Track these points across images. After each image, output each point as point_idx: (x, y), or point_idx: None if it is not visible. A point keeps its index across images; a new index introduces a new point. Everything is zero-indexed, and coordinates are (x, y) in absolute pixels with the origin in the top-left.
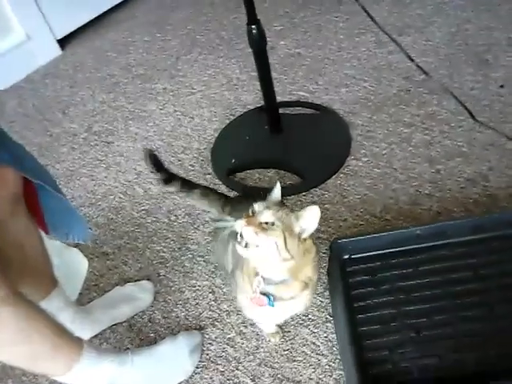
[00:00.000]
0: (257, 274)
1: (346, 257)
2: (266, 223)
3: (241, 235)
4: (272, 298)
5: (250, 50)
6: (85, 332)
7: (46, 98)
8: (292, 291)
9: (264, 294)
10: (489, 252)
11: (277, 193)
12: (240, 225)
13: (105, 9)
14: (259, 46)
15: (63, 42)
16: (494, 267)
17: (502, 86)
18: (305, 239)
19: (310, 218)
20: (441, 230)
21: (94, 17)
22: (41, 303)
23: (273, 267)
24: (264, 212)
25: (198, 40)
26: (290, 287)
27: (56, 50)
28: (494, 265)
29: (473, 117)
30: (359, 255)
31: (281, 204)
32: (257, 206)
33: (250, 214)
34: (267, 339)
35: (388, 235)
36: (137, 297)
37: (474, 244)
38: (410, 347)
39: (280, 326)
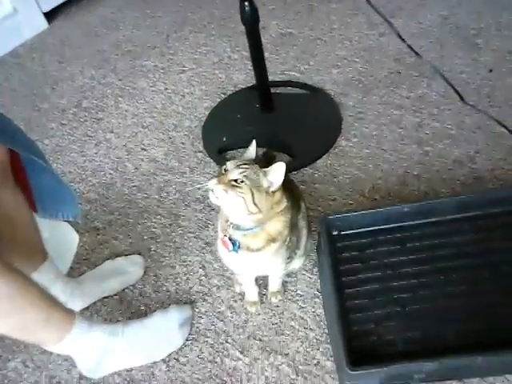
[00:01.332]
0: (227, 220)
1: (336, 233)
2: (235, 180)
3: (212, 191)
4: (237, 243)
5: (242, 28)
6: (76, 304)
7: (34, 73)
8: (259, 242)
9: (231, 239)
10: (474, 230)
11: (252, 151)
12: (212, 183)
13: None
14: (252, 23)
15: (50, 16)
16: (478, 245)
17: (490, 71)
18: (273, 192)
19: (276, 173)
20: (428, 207)
21: None
22: (32, 275)
23: (241, 218)
24: (233, 170)
25: (189, 18)
26: (257, 237)
27: (42, 24)
28: (479, 243)
29: (462, 99)
30: (348, 232)
31: (252, 162)
32: (228, 165)
33: (223, 171)
34: (246, 308)
35: (377, 212)
36: (127, 270)
37: (460, 222)
38: (395, 321)
39: (261, 298)
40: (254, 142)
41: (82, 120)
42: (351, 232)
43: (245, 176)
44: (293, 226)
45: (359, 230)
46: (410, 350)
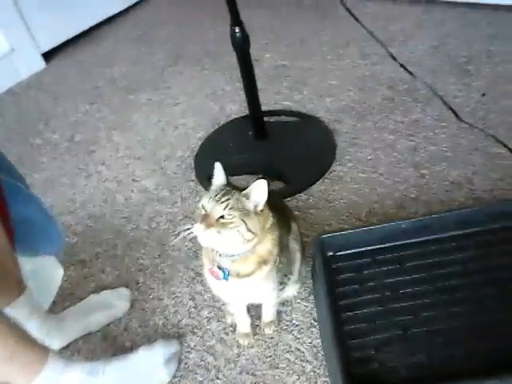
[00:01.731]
0: (213, 249)
1: (331, 254)
2: (222, 217)
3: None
4: (227, 272)
5: (236, 62)
6: (54, 342)
7: (28, 110)
8: (249, 266)
9: (220, 267)
10: (475, 247)
11: (220, 175)
12: (199, 229)
13: (90, 24)
14: (243, 48)
15: (48, 56)
16: (481, 262)
17: (483, 95)
18: (261, 210)
19: (259, 191)
20: (426, 224)
21: (79, 32)
22: (6, 309)
23: (237, 249)
24: (215, 207)
25: (184, 53)
26: (247, 261)
27: (40, 64)
28: (481, 259)
29: (457, 117)
30: (344, 252)
31: (226, 186)
32: (206, 203)
33: (203, 211)
34: (238, 341)
35: (372, 230)
36: (112, 304)
37: (460, 239)
38: (397, 345)
39: (254, 329)
40: (218, 165)
41: (73, 153)
42: (347, 252)
43: (230, 209)
44: (282, 247)
45: (355, 250)
46: (415, 377)
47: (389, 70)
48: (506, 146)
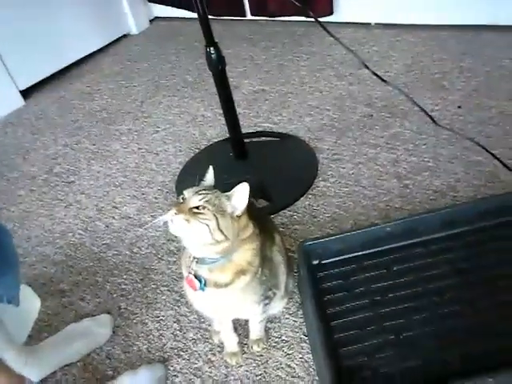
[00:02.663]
0: (190, 255)
1: (316, 262)
2: (197, 207)
3: (172, 222)
4: (204, 281)
5: (215, 90)
6: (31, 374)
7: (6, 146)
8: (227, 275)
9: (196, 276)
10: (462, 246)
11: (209, 178)
12: (170, 213)
13: (69, 62)
14: (218, 67)
15: (26, 93)
16: (469, 261)
17: (459, 107)
18: (239, 217)
19: (240, 196)
20: (411, 225)
21: (58, 69)
22: None
23: (206, 249)
24: (193, 197)
25: (163, 84)
26: (225, 271)
27: (19, 101)
28: (470, 259)
29: (436, 124)
30: (329, 260)
31: (212, 188)
32: (186, 193)
33: (181, 200)
34: (226, 361)
35: (358, 234)
36: (93, 332)
37: (447, 240)
38: (389, 351)
39: (242, 348)
40: (210, 168)
41: (52, 185)
42: (332, 260)
43: (206, 201)
44: (266, 259)
45: (341, 258)
46: (411, 382)
47: (365, 88)
48: (488, 151)
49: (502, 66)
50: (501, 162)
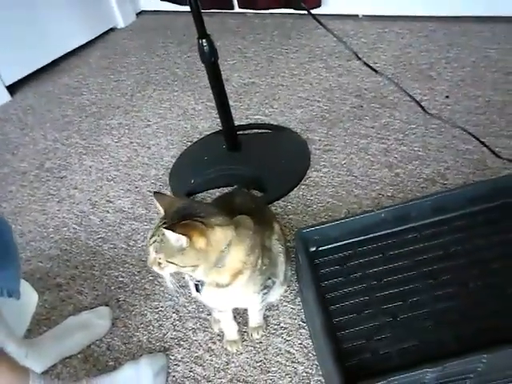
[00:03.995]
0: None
1: (313, 249)
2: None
3: None
4: (200, 284)
5: (205, 83)
6: (32, 367)
7: None
8: (225, 277)
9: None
10: (455, 230)
11: (158, 208)
12: (149, 265)
13: (56, 56)
14: (211, 59)
15: (13, 88)
16: (462, 244)
17: (447, 97)
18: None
19: (172, 238)
20: (404, 211)
21: (44, 64)
22: None
23: (195, 274)
24: (149, 248)
25: (153, 78)
26: (221, 274)
27: (5, 96)
28: (463, 242)
29: (426, 112)
30: (326, 247)
31: (162, 219)
32: (147, 242)
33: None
34: (226, 348)
35: (353, 220)
36: (92, 324)
37: (440, 224)
38: (387, 333)
39: (241, 335)
40: (155, 195)
41: (43, 180)
42: (329, 247)
43: (157, 252)
44: (264, 249)
45: (337, 244)
46: (409, 362)
47: (354, 80)
48: (477, 138)
49: (488, 56)
50: (489, 148)
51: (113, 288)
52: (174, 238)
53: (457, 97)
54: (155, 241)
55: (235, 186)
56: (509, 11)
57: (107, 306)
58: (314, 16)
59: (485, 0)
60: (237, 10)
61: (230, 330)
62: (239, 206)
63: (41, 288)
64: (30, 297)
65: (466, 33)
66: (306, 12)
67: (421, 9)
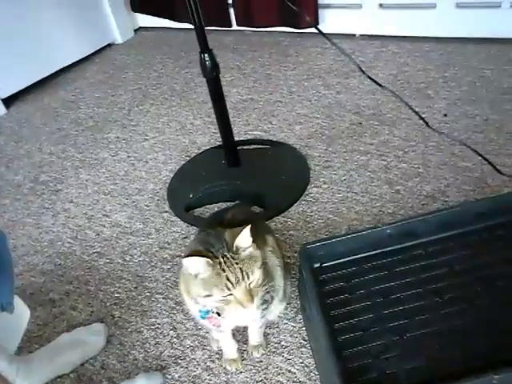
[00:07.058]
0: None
1: (317, 265)
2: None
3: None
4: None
5: (203, 98)
6: None
7: None
8: None
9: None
10: (461, 247)
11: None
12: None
13: (53, 70)
14: (212, 73)
15: (8, 101)
16: (468, 262)
17: (445, 115)
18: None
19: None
20: (410, 227)
21: (41, 78)
22: None
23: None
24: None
25: (150, 93)
26: None
27: (0, 109)
28: (469, 259)
29: (428, 125)
30: (331, 263)
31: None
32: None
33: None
34: (226, 367)
35: (359, 236)
36: (86, 341)
37: (446, 241)
38: (394, 351)
39: (241, 354)
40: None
41: (38, 194)
42: (334, 263)
43: (248, 277)
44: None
45: (342, 260)
46: (416, 382)
47: (353, 97)
48: (480, 154)
49: (484, 76)
50: (492, 165)
51: (108, 304)
52: (193, 267)
53: (455, 115)
54: (240, 269)
55: (237, 201)
56: (504, 33)
57: (102, 322)
58: (323, 33)
59: (480, 22)
60: (235, 27)
61: (230, 349)
62: (230, 219)
63: (33, 304)
64: (21, 312)
65: (462, 53)
66: (303, 30)
67: (418, 29)
